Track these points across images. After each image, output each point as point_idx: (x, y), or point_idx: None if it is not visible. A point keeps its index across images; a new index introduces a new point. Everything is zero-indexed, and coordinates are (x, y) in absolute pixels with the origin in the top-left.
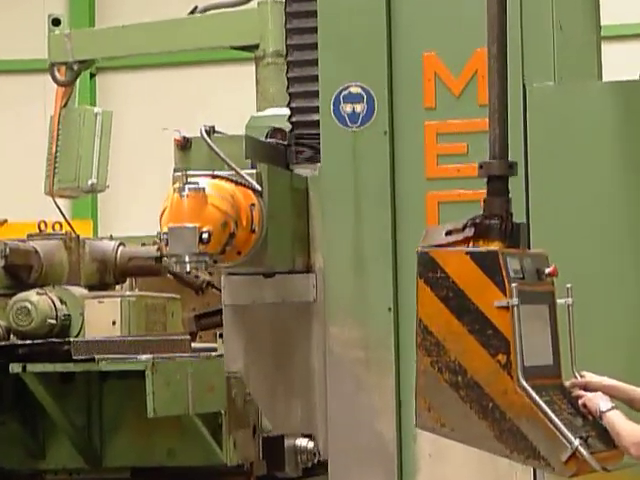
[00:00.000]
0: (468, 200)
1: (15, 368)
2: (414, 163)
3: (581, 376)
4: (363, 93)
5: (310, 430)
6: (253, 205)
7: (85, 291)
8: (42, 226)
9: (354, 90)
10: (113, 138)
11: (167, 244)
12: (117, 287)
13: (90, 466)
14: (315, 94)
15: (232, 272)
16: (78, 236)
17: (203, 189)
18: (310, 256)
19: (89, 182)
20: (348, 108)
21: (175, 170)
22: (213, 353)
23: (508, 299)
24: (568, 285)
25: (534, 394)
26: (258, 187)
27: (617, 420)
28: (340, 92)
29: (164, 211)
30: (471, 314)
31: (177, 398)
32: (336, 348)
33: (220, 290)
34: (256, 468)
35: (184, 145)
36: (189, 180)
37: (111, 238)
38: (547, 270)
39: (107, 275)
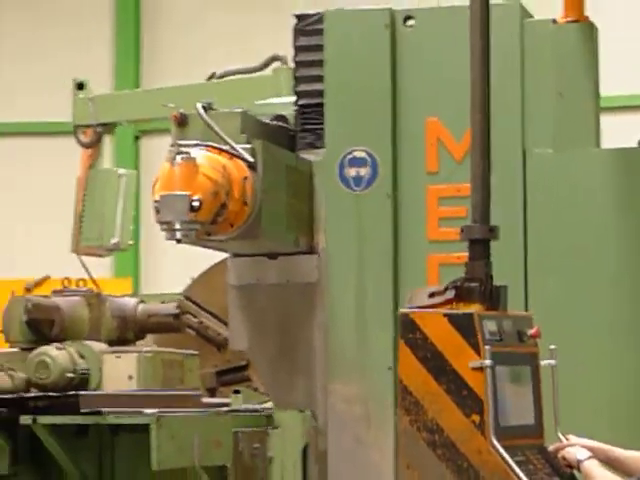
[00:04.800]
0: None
1: (25, 420)
2: (416, 225)
3: (566, 438)
4: (367, 157)
5: (311, 406)
6: (246, 178)
7: (105, 346)
8: (66, 283)
9: (358, 154)
10: None
11: (158, 212)
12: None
13: None
14: (320, 78)
15: (237, 253)
16: (99, 293)
17: (194, 159)
18: (313, 237)
19: (112, 241)
20: (353, 172)
21: (171, 145)
22: (224, 408)
23: (482, 360)
24: (552, 347)
25: (505, 454)
26: (250, 159)
27: (594, 469)
28: (345, 156)
29: (156, 181)
30: (448, 375)
31: (182, 452)
32: (337, 404)
33: None
34: None
35: (181, 121)
36: (181, 150)
37: (133, 295)
38: (529, 332)
39: (127, 331)
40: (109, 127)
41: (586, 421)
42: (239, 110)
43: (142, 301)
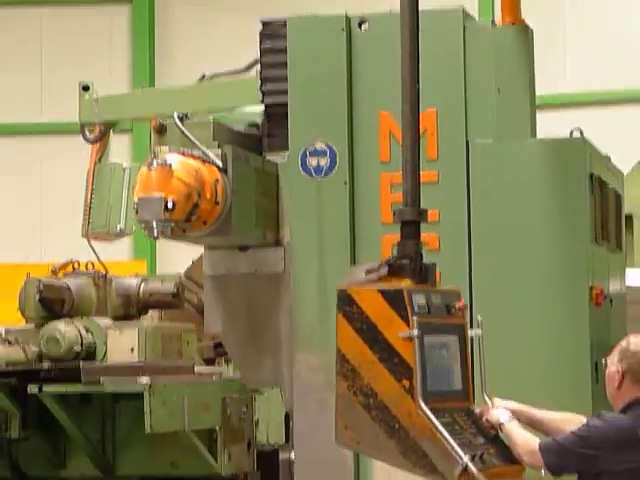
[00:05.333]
0: None
1: (33, 389)
2: (371, 209)
3: (491, 401)
4: (327, 148)
5: (277, 383)
6: (217, 181)
7: (110, 322)
8: (75, 265)
9: (319, 146)
10: None
11: (137, 212)
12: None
13: (104, 475)
14: (284, 78)
15: (212, 246)
16: (105, 274)
17: (170, 164)
18: (279, 232)
19: (118, 228)
20: (313, 162)
21: (153, 152)
22: (214, 377)
23: (410, 331)
24: (479, 317)
25: (432, 416)
26: (219, 163)
27: (514, 430)
28: (307, 148)
29: (136, 184)
30: (381, 344)
31: (174, 416)
32: (302, 373)
33: None
34: (250, 479)
35: (160, 130)
36: (157, 156)
37: (136, 276)
38: (457, 305)
39: (131, 308)
40: (111, 125)
41: (522, 386)
42: (211, 120)
43: (144, 281)
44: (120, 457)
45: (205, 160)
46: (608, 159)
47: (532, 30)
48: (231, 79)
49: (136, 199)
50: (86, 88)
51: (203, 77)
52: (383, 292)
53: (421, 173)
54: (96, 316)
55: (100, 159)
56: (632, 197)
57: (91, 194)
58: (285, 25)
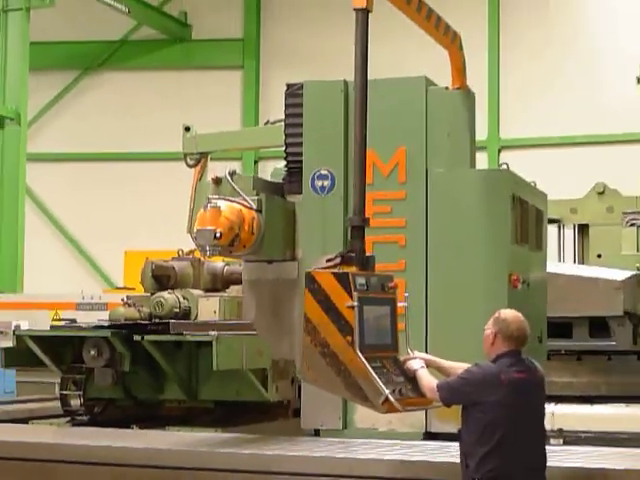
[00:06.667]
0: (391, 241)
1: (137, 338)
2: None
3: (412, 352)
4: (328, 174)
5: (292, 355)
6: (253, 218)
7: (201, 292)
8: (179, 252)
9: (323, 172)
10: None
11: (195, 239)
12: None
13: (189, 399)
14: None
15: (247, 260)
16: (199, 259)
17: (219, 207)
18: (295, 251)
19: None
20: (319, 183)
21: (208, 198)
22: None
23: (353, 302)
24: (406, 294)
25: (365, 361)
26: (254, 206)
27: (423, 375)
28: (315, 173)
29: (195, 220)
30: (333, 311)
31: (234, 359)
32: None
33: None
34: (293, 404)
35: (216, 181)
36: (211, 201)
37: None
38: (390, 285)
39: (217, 283)
40: (206, 154)
41: (461, 342)
42: (251, 175)
43: (227, 264)
44: (201, 387)
45: (246, 206)
46: (532, 185)
47: (474, 93)
48: None
49: (195, 230)
50: (187, 129)
51: (267, 122)
52: (335, 274)
53: (393, 192)
54: (192, 289)
55: (200, 178)
56: (588, 211)
57: (193, 203)
58: (302, 87)
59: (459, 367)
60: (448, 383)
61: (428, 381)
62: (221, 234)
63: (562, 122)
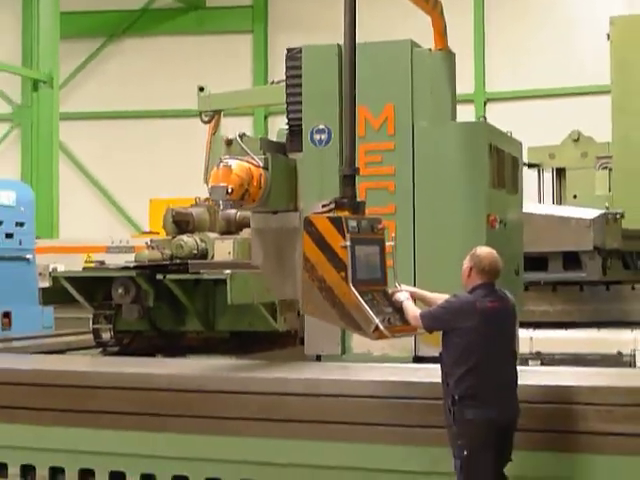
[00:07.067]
0: (381, 187)
1: (159, 276)
2: None
3: (399, 286)
4: (325, 128)
5: (295, 295)
6: (261, 175)
7: (217, 235)
8: (197, 200)
9: (321, 127)
10: None
11: (210, 194)
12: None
13: (207, 329)
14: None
15: (255, 211)
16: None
17: (230, 165)
18: (297, 202)
19: None
20: (317, 137)
21: (220, 158)
22: None
23: (346, 242)
24: (393, 234)
25: (357, 294)
26: (261, 164)
27: (408, 306)
28: (313, 128)
29: (209, 177)
30: (329, 250)
31: (246, 294)
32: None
33: None
34: (299, 333)
35: (228, 143)
36: (223, 160)
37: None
38: (379, 226)
39: (231, 227)
40: (219, 111)
41: (444, 278)
42: (259, 137)
43: (238, 211)
44: (217, 319)
45: (254, 164)
46: (508, 134)
47: (454, 54)
48: None
49: (209, 186)
50: (201, 89)
51: (273, 82)
52: (330, 218)
53: (383, 143)
54: (208, 232)
55: (214, 133)
56: (565, 157)
57: (208, 155)
58: (301, 51)
59: (440, 298)
60: (430, 312)
61: (413, 311)
62: (232, 190)
63: (542, 76)
